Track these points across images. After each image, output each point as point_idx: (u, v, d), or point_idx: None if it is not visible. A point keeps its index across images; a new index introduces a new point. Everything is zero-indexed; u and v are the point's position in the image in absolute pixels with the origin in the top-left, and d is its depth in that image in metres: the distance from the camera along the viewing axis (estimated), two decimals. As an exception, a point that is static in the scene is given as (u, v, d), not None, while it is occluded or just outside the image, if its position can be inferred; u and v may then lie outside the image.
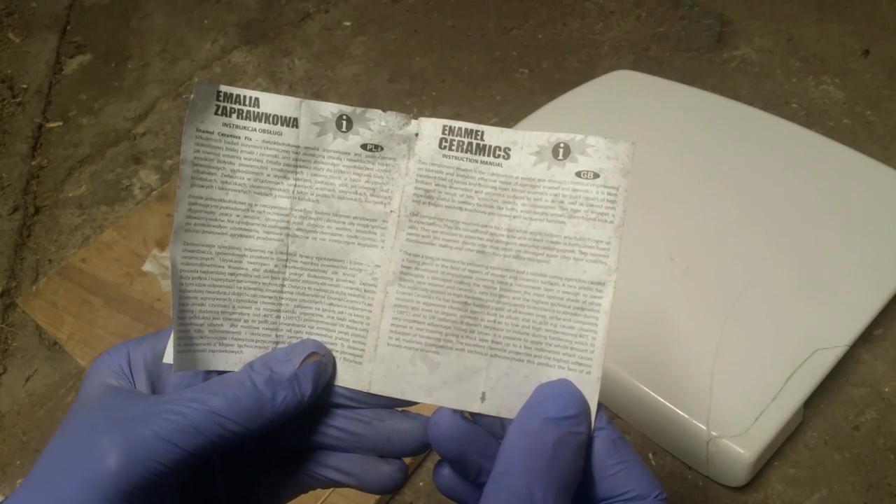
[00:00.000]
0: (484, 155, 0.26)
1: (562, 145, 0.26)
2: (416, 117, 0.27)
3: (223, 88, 0.26)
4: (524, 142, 0.26)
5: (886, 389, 0.55)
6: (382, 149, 0.27)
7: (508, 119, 0.79)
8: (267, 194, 0.27)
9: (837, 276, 0.56)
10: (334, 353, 0.27)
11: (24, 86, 0.95)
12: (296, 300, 0.27)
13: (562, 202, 0.26)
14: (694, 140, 0.67)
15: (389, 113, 0.27)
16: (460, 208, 0.27)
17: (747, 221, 0.60)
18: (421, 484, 0.53)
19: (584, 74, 0.83)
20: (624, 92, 0.75)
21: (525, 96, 0.83)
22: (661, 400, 0.52)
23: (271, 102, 0.27)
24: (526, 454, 0.23)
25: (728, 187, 0.63)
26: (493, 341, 0.27)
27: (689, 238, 0.60)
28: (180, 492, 0.25)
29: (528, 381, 0.26)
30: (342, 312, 0.27)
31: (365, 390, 0.27)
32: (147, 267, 0.69)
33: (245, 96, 0.26)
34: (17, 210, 0.79)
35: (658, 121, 0.70)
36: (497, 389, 0.26)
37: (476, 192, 0.26)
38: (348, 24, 0.97)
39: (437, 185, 0.27)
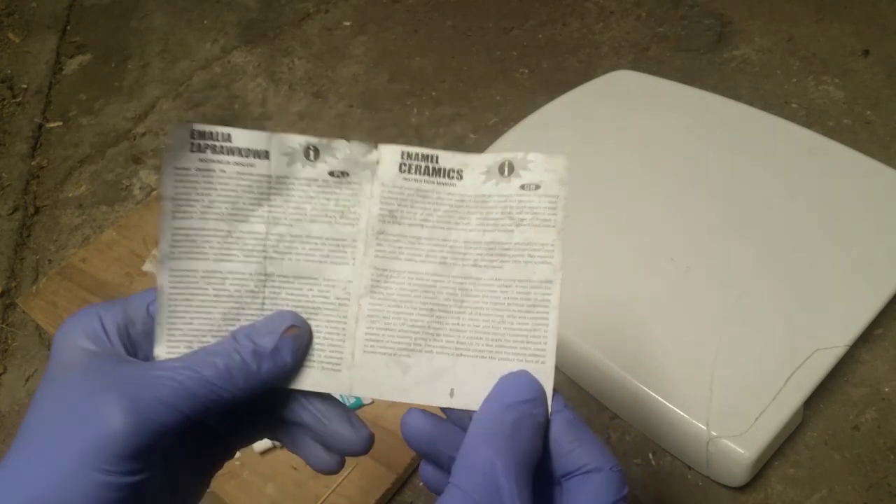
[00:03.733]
0: (440, 177, 0.29)
1: (506, 163, 0.30)
2: (375, 146, 0.30)
3: (196, 127, 0.28)
4: (474, 163, 0.30)
5: (886, 389, 0.55)
6: (348, 174, 0.29)
7: (508, 119, 0.79)
8: (244, 221, 0.29)
9: (837, 275, 0.56)
10: (313, 363, 0.29)
11: (24, 86, 0.95)
12: None
13: (510, 213, 0.29)
14: (694, 140, 0.67)
15: (353, 142, 0.29)
16: (421, 225, 0.30)
17: (747, 221, 0.60)
18: (421, 484, 0.53)
19: (584, 74, 0.83)
20: (624, 92, 0.75)
21: (525, 96, 0.83)
22: (661, 400, 0.52)
23: (242, 137, 0.29)
24: (488, 434, 0.26)
25: (728, 187, 0.63)
26: (458, 342, 0.29)
27: (689, 238, 0.60)
28: (176, 464, 0.28)
29: (491, 375, 0.29)
30: (318, 325, 0.29)
31: (347, 394, 0.30)
32: (147, 267, 0.69)
33: (217, 133, 0.28)
34: (17, 210, 0.79)
35: (658, 121, 0.70)
36: (464, 385, 0.29)
37: (434, 209, 0.29)
38: (348, 24, 0.97)
39: (399, 205, 0.29)
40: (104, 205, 0.79)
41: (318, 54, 0.93)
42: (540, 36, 0.91)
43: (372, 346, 0.29)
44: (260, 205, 0.29)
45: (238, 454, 0.54)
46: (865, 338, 0.56)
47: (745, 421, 0.49)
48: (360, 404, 0.55)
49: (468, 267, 0.29)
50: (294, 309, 0.29)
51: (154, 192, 0.78)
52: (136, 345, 0.28)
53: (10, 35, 1.03)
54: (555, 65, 0.87)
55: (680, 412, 0.51)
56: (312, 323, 0.29)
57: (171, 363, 0.26)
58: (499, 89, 0.85)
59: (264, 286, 0.29)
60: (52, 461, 0.23)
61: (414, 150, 0.29)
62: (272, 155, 0.29)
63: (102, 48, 1.00)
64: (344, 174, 0.29)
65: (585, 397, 0.57)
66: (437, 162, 0.29)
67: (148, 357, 0.28)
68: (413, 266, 0.29)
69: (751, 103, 0.71)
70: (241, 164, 0.29)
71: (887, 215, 0.60)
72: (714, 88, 0.75)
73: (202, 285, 0.29)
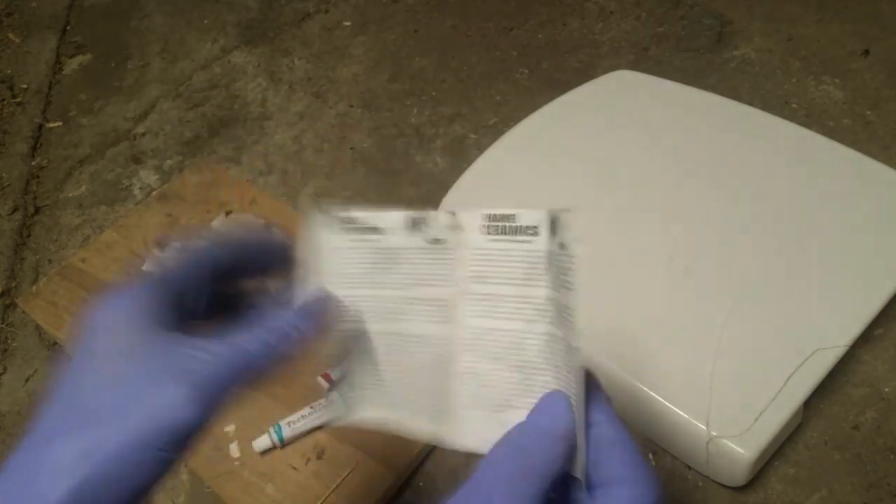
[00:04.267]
0: (517, 234, 0.30)
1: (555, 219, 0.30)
2: (454, 213, 0.32)
3: (342, 214, 0.32)
4: (545, 222, 0.30)
5: (886, 389, 0.55)
6: (445, 241, 0.31)
7: (508, 119, 0.79)
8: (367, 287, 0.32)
9: (837, 276, 0.56)
10: (421, 416, 0.32)
11: (24, 86, 0.95)
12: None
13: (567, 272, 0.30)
14: (694, 140, 0.67)
15: (444, 213, 0.31)
16: (508, 283, 0.30)
17: (747, 221, 0.60)
18: (421, 484, 0.53)
19: (584, 74, 0.83)
20: (624, 92, 0.75)
21: (525, 96, 0.83)
22: (661, 400, 0.52)
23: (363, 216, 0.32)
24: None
25: (728, 187, 0.63)
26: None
27: (688, 238, 0.60)
28: None
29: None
30: (423, 380, 0.32)
31: (451, 447, 0.31)
32: (147, 267, 0.69)
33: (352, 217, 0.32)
34: (17, 210, 0.79)
35: (658, 121, 0.70)
36: None
37: (517, 267, 0.30)
38: (348, 24, 0.97)
39: (487, 265, 0.31)
40: (104, 205, 0.79)
41: (318, 54, 0.93)
42: (540, 36, 0.91)
43: (472, 401, 0.31)
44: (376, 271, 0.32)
45: (238, 454, 0.54)
46: (865, 338, 0.56)
47: (745, 421, 0.49)
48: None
49: (548, 324, 0.30)
50: (403, 365, 0.32)
51: (154, 192, 0.78)
52: (180, 314, 0.28)
53: (10, 35, 1.03)
54: (555, 65, 0.87)
55: (680, 412, 0.51)
56: (417, 377, 0.32)
57: (234, 338, 0.27)
58: (499, 89, 0.85)
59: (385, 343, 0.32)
60: (113, 443, 0.23)
61: (495, 211, 0.30)
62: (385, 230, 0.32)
63: (102, 48, 1.00)
64: (439, 241, 0.31)
65: (585, 397, 0.57)
66: (514, 220, 0.30)
67: (184, 320, 0.28)
68: (502, 324, 0.30)
69: (751, 103, 0.71)
70: (363, 240, 0.32)
71: (887, 215, 0.60)
72: (714, 88, 0.75)
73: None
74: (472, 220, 0.31)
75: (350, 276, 0.32)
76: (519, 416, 0.29)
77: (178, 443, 0.24)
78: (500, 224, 0.30)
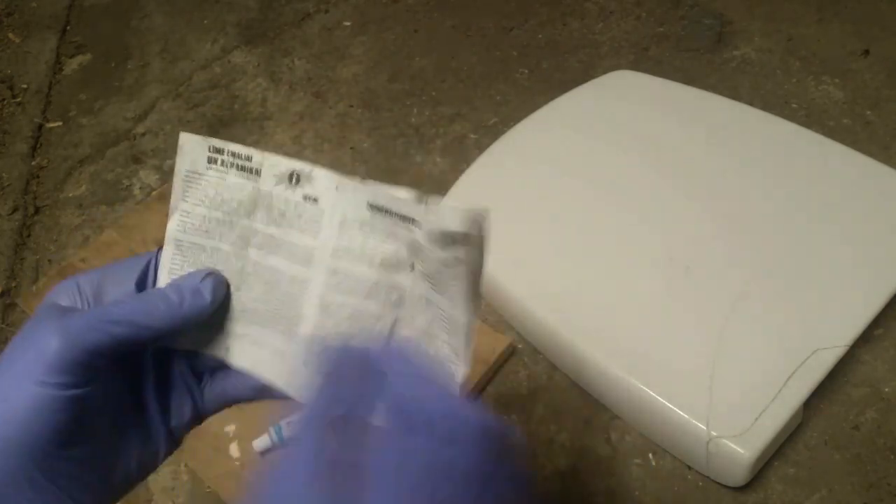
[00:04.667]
0: (401, 220, 0.30)
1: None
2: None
3: (214, 143, 0.32)
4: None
5: (886, 389, 0.55)
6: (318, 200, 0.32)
7: (508, 119, 0.79)
8: (242, 216, 0.33)
9: (837, 276, 0.56)
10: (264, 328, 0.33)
11: (24, 86, 0.95)
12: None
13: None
14: (694, 140, 0.67)
15: (326, 173, 0.31)
16: (371, 262, 0.31)
17: (747, 221, 0.60)
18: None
19: (584, 74, 0.83)
20: (624, 92, 0.75)
21: (525, 96, 0.83)
22: (661, 400, 0.52)
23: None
24: None
25: (728, 187, 0.63)
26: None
27: (688, 238, 0.60)
28: (117, 389, 0.31)
29: None
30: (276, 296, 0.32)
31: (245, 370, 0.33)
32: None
33: (240, 153, 0.32)
34: (17, 210, 0.79)
35: (658, 121, 0.70)
36: None
37: (388, 248, 0.31)
38: (348, 24, 0.97)
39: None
40: (104, 205, 0.79)
41: (318, 54, 0.93)
42: (540, 36, 0.91)
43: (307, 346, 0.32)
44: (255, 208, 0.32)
45: (238, 454, 0.54)
46: (865, 338, 0.56)
47: (745, 421, 0.49)
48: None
49: (403, 311, 0.31)
50: (263, 285, 0.32)
51: (154, 192, 0.78)
52: (106, 299, 0.31)
53: (10, 35, 1.03)
54: (555, 65, 0.87)
55: (680, 412, 0.51)
56: (274, 293, 0.32)
57: (109, 304, 0.30)
58: (499, 89, 0.85)
59: (243, 268, 0.33)
60: (9, 372, 0.27)
61: (388, 191, 0.30)
62: (263, 174, 0.32)
63: (102, 48, 1.00)
64: (315, 201, 0.31)
65: (586, 397, 0.57)
66: (402, 209, 0.30)
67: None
68: (357, 301, 0.31)
69: (751, 103, 0.71)
70: (238, 175, 0.32)
71: (887, 215, 0.60)
72: (714, 88, 0.74)
73: (195, 252, 0.33)
74: (357, 192, 0.30)
75: (214, 202, 0.32)
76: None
77: (53, 373, 0.26)
78: (384, 207, 0.30)
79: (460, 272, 0.28)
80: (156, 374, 0.33)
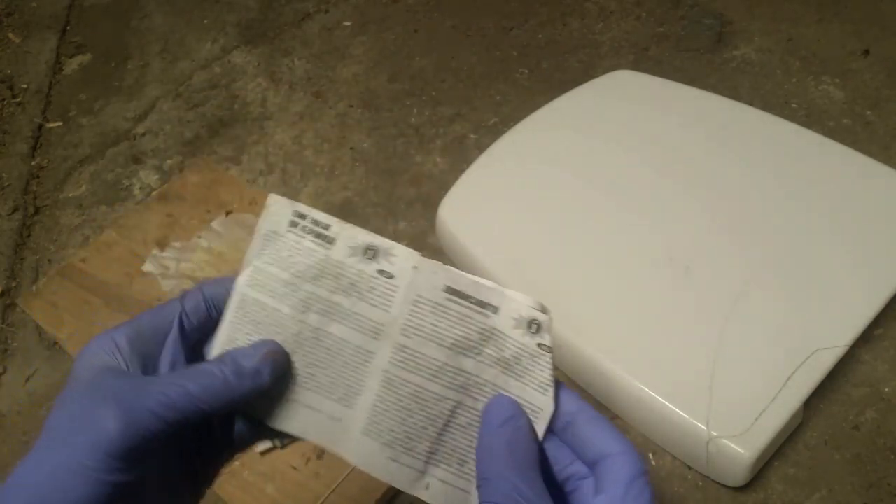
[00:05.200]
0: (479, 307, 0.31)
1: (534, 321, 0.31)
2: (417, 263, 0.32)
3: (298, 208, 0.32)
4: (510, 308, 0.31)
5: (886, 389, 0.55)
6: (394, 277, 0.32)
7: (508, 119, 0.79)
8: (309, 281, 0.33)
9: (838, 276, 0.56)
10: (317, 401, 0.32)
11: (24, 86, 0.95)
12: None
13: (519, 361, 0.31)
14: (694, 140, 0.67)
15: (405, 250, 0.32)
16: (442, 343, 0.31)
17: (747, 221, 0.60)
18: (421, 484, 0.53)
19: (584, 74, 0.83)
20: (624, 92, 0.75)
21: (525, 96, 0.83)
22: (661, 400, 0.52)
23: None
24: (493, 455, 0.29)
25: (728, 187, 0.63)
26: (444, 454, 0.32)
27: (688, 238, 0.60)
28: (162, 453, 0.30)
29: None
30: (336, 369, 0.32)
31: (334, 450, 0.32)
32: (147, 267, 0.69)
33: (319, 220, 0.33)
34: (17, 210, 0.79)
35: (658, 121, 0.70)
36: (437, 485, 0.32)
37: (460, 332, 0.31)
38: (348, 24, 0.97)
39: (430, 314, 0.32)
40: (104, 205, 0.79)
41: (318, 54, 0.93)
42: (540, 36, 0.91)
43: (369, 427, 0.31)
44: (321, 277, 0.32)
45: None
46: (865, 338, 0.56)
47: (745, 421, 0.49)
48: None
49: (464, 395, 0.31)
50: (323, 351, 0.32)
51: (154, 192, 0.78)
52: (146, 357, 0.31)
53: (10, 35, 1.03)
54: (555, 65, 0.87)
55: (680, 412, 0.51)
56: (335, 361, 0.32)
57: (165, 379, 0.29)
58: (499, 89, 0.85)
59: (300, 332, 0.32)
60: (53, 464, 0.26)
61: (466, 278, 0.31)
62: (338, 244, 0.32)
63: (102, 48, 0.99)
64: (390, 277, 0.32)
65: (586, 397, 0.57)
66: (480, 294, 0.31)
67: (156, 366, 0.31)
68: (421, 381, 0.31)
69: (751, 103, 0.72)
70: (312, 241, 0.32)
71: (887, 215, 0.60)
72: (714, 88, 0.75)
73: (256, 310, 0.33)
74: (436, 274, 0.31)
75: (285, 263, 0.32)
76: (411, 460, 0.31)
77: (111, 459, 0.26)
78: (463, 290, 0.31)
79: (546, 359, 0.30)
80: (195, 433, 0.33)
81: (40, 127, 0.89)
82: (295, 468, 0.53)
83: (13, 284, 0.72)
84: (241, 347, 0.32)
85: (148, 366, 0.31)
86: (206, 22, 1.01)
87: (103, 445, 0.26)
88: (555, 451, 0.31)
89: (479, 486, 0.29)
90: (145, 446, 0.27)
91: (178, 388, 0.28)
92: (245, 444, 0.34)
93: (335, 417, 0.32)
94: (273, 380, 0.31)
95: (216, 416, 0.31)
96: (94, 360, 0.30)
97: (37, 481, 0.26)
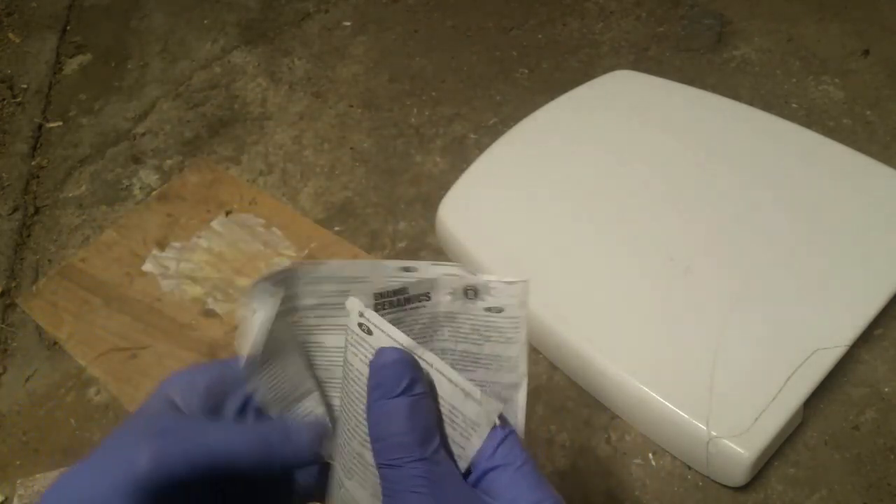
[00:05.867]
0: (410, 303, 0.31)
1: (471, 289, 0.31)
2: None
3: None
4: (440, 287, 0.31)
5: (886, 389, 0.55)
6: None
7: (508, 119, 0.79)
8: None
9: (837, 276, 0.56)
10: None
11: (24, 86, 0.95)
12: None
13: (478, 330, 0.32)
14: (693, 140, 0.67)
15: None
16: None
17: (747, 221, 0.60)
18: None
19: (584, 74, 0.83)
20: (624, 92, 0.75)
21: (525, 96, 0.83)
22: (661, 400, 0.52)
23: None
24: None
25: (728, 187, 0.63)
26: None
27: (689, 238, 0.60)
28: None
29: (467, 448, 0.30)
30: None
31: None
32: (147, 267, 0.69)
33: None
34: (17, 210, 0.79)
35: (658, 121, 0.70)
36: None
37: (413, 326, 0.31)
38: (348, 24, 0.97)
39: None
40: (104, 205, 0.79)
41: (318, 54, 0.93)
42: (540, 36, 0.91)
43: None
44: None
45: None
46: (865, 338, 0.56)
47: (745, 421, 0.49)
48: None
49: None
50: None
51: (154, 192, 0.78)
52: (221, 403, 0.31)
53: (10, 35, 1.03)
54: (555, 65, 0.87)
55: (680, 412, 0.51)
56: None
57: (211, 428, 0.28)
58: (499, 89, 0.85)
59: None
60: (90, 486, 0.26)
61: (386, 290, 0.30)
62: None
63: (102, 48, 0.99)
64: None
65: (586, 397, 0.57)
66: (406, 293, 0.31)
67: (223, 410, 0.31)
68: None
69: (751, 103, 0.72)
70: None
71: (887, 215, 0.60)
72: (714, 88, 0.75)
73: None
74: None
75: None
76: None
77: (142, 494, 0.26)
78: (390, 300, 0.31)
79: (497, 321, 0.31)
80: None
81: (40, 127, 0.89)
82: (295, 468, 0.53)
83: (13, 284, 0.72)
84: (292, 421, 0.31)
85: (221, 410, 0.31)
86: (206, 22, 1.01)
87: (134, 480, 0.26)
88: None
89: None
90: (176, 488, 0.27)
91: (219, 444, 0.28)
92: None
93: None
94: (312, 451, 0.30)
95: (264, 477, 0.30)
96: (166, 392, 0.30)
97: (74, 496, 0.26)
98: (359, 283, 0.32)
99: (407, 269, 0.32)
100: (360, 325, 0.29)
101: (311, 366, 0.32)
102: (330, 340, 0.32)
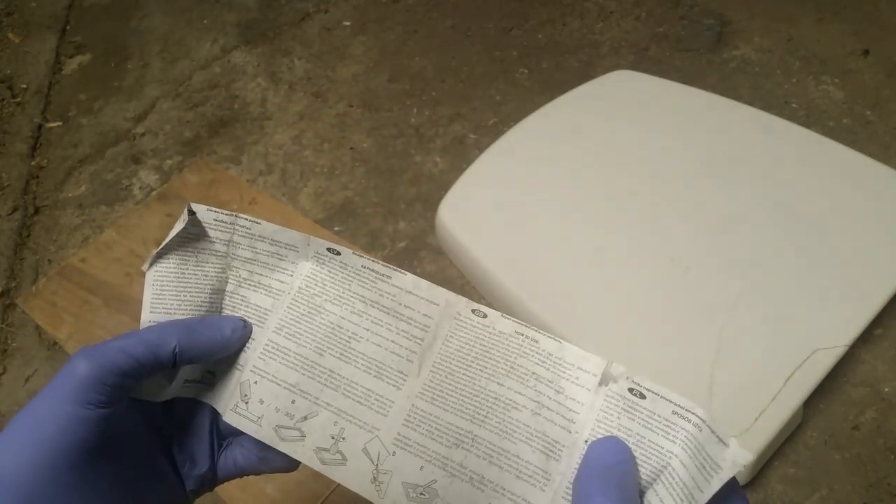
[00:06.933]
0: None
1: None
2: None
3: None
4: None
5: (886, 389, 0.55)
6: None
7: (508, 119, 0.79)
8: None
9: (837, 275, 0.56)
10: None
11: (24, 86, 0.95)
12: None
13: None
14: (693, 140, 0.67)
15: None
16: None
17: (747, 221, 0.60)
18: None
19: (584, 74, 0.83)
20: (623, 92, 0.75)
21: (525, 96, 0.83)
22: (661, 400, 0.51)
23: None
24: (600, 486, 0.28)
25: (728, 187, 0.63)
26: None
27: (689, 238, 0.60)
28: (143, 423, 0.32)
29: None
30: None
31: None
32: (147, 267, 0.69)
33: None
34: (17, 210, 0.79)
35: (657, 121, 0.70)
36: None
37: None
38: (348, 24, 0.97)
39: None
40: (104, 205, 0.79)
41: (318, 54, 0.93)
42: (540, 36, 0.91)
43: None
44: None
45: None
46: (865, 338, 0.56)
47: (745, 421, 0.49)
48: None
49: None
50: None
51: (154, 192, 0.78)
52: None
53: (10, 35, 1.03)
54: (555, 65, 0.87)
55: (680, 412, 0.51)
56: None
57: (141, 330, 0.31)
58: (499, 89, 0.85)
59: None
60: (38, 406, 0.28)
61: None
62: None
63: (102, 48, 1.00)
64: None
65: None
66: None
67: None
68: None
69: (751, 103, 0.71)
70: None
71: (887, 215, 0.60)
72: (714, 88, 0.75)
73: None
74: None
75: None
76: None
77: (83, 392, 0.28)
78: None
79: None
80: (182, 424, 0.34)
81: (40, 127, 0.89)
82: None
83: (13, 284, 0.72)
84: (212, 316, 0.34)
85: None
86: (205, 22, 1.01)
87: (73, 379, 0.28)
88: None
89: None
90: (114, 381, 0.28)
91: (151, 328, 0.30)
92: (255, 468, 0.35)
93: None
94: (237, 341, 0.33)
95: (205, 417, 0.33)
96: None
97: (25, 424, 0.27)
98: (291, 252, 0.33)
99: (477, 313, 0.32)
100: (631, 389, 0.30)
101: (218, 301, 0.34)
102: (254, 297, 0.34)
